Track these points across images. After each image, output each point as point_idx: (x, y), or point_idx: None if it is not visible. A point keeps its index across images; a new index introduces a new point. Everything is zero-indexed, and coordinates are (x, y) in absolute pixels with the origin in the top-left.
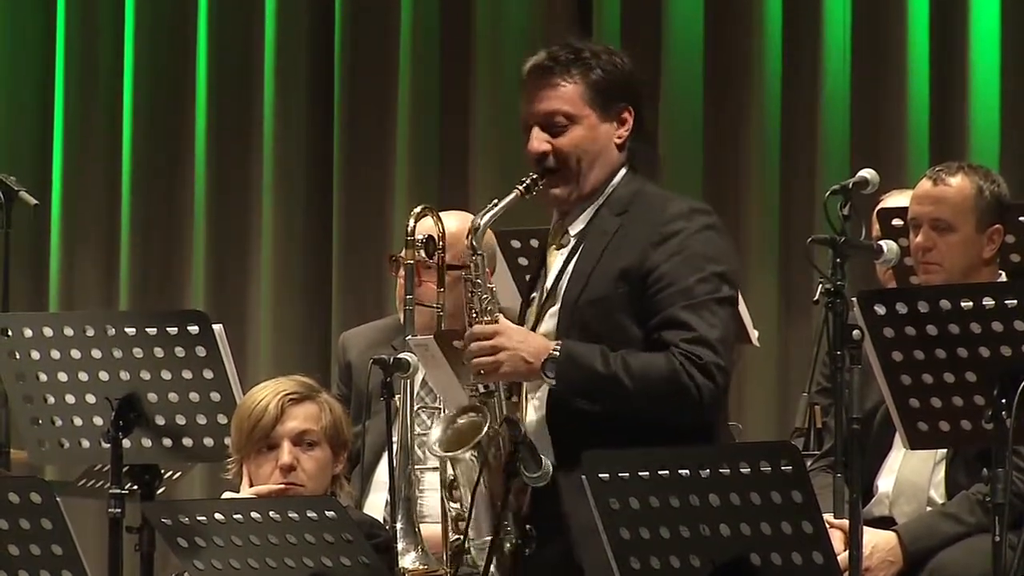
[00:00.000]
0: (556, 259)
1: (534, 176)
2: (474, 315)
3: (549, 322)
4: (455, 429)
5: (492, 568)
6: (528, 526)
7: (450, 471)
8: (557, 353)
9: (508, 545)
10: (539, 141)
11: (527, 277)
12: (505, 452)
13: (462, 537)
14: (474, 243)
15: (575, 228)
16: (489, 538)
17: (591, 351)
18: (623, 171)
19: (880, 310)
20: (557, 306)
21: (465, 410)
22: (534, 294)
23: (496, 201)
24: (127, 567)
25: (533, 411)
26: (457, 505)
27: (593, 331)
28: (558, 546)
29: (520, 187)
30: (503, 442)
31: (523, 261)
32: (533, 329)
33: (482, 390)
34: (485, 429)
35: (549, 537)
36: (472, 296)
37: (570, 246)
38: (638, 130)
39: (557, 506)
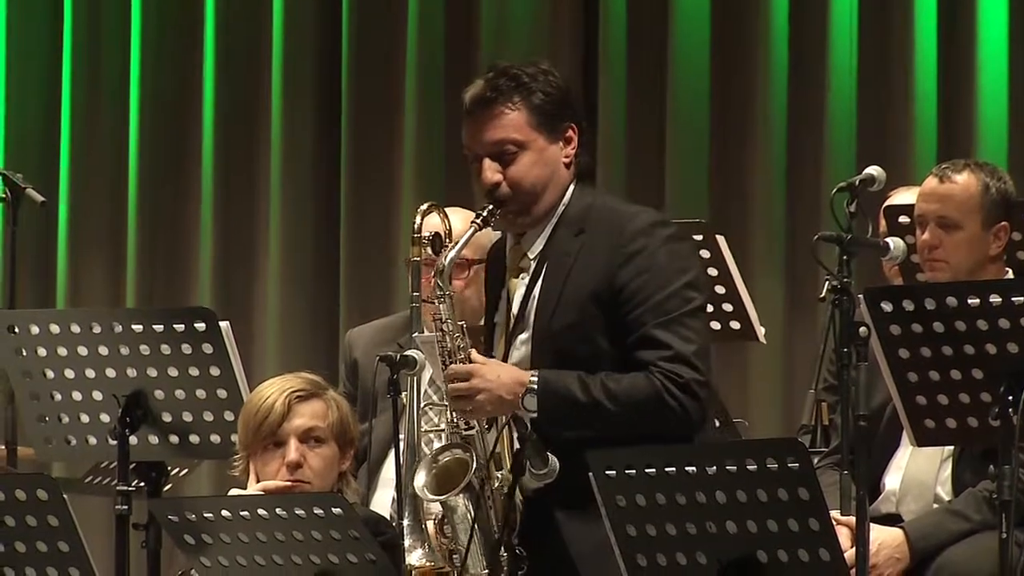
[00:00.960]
0: (518, 285)
1: (490, 208)
2: (447, 355)
3: (522, 349)
4: (441, 468)
5: None
6: (518, 549)
7: (438, 507)
8: (535, 386)
9: (503, 573)
10: (491, 172)
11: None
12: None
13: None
14: (439, 284)
15: (533, 250)
16: (485, 572)
17: (569, 379)
18: (572, 188)
19: (887, 307)
20: (528, 333)
21: (445, 448)
22: (498, 318)
23: (456, 241)
24: (134, 564)
25: (516, 441)
26: (449, 541)
27: (569, 356)
28: (554, 570)
29: (478, 220)
30: (489, 474)
31: None
32: (504, 358)
33: (463, 426)
34: (473, 466)
35: (547, 564)
36: (443, 336)
37: (531, 269)
38: (581, 144)
39: (550, 530)
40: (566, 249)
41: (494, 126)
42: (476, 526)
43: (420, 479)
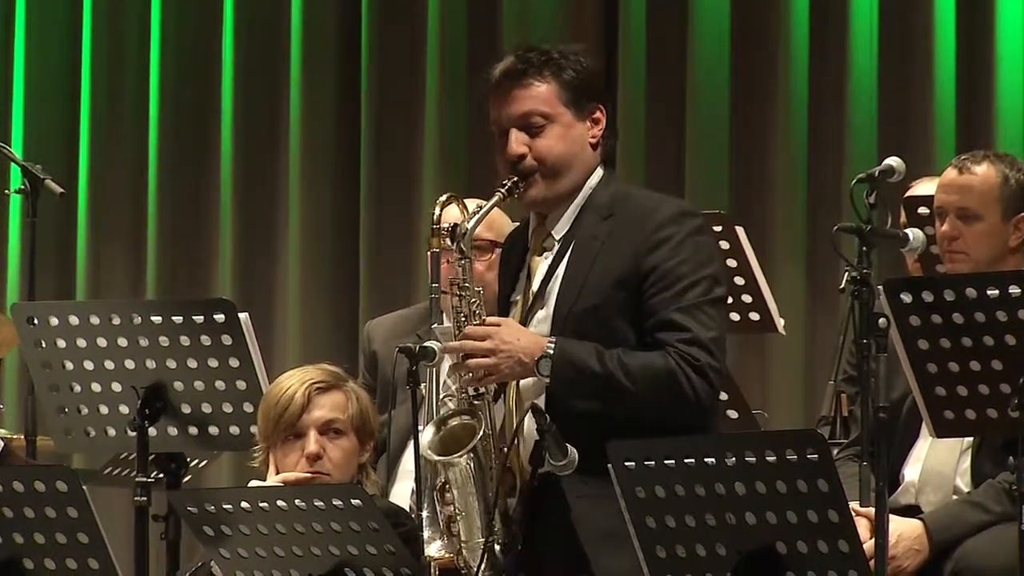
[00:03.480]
0: (540, 263)
1: (514, 179)
2: (463, 319)
3: (540, 327)
4: (447, 432)
5: (484, 569)
6: (513, 526)
7: (440, 474)
8: (551, 350)
9: (497, 546)
10: (518, 144)
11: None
12: (499, 450)
13: (455, 539)
14: (462, 247)
15: (559, 231)
16: (481, 540)
17: (586, 349)
18: (600, 171)
19: (906, 298)
20: (547, 311)
21: (456, 413)
22: (516, 296)
23: (480, 206)
24: (153, 555)
25: (527, 422)
26: (449, 508)
27: (588, 336)
28: (564, 555)
29: (502, 190)
30: (494, 444)
31: None
32: None
33: (472, 393)
34: (480, 432)
35: (555, 546)
36: (460, 300)
37: (555, 250)
38: (609, 127)
39: (563, 515)
40: (594, 233)
41: (523, 97)
42: (477, 492)
43: (427, 437)
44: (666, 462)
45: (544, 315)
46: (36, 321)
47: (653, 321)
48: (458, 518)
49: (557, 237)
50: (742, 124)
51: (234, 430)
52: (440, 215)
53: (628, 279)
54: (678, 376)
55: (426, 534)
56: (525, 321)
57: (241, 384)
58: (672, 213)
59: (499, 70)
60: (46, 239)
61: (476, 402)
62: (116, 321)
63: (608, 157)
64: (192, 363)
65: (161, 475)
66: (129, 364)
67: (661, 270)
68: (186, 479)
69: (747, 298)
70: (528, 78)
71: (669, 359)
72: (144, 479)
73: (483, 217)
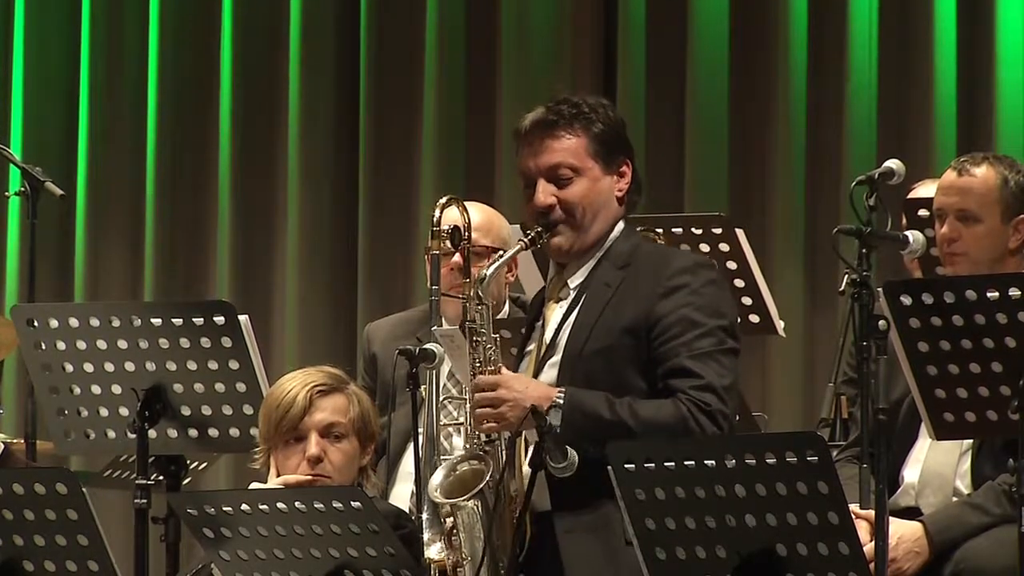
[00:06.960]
0: (555, 312)
1: (539, 230)
2: (478, 365)
3: (549, 372)
4: (457, 476)
5: None
6: (523, 573)
7: (449, 519)
8: (561, 400)
9: None
10: (545, 194)
11: (521, 329)
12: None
13: None
14: (479, 294)
15: (574, 281)
16: None
17: (596, 397)
18: (621, 224)
19: (906, 300)
20: (558, 357)
21: (467, 457)
22: (531, 346)
23: (502, 253)
24: (153, 557)
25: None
26: (456, 552)
27: (597, 382)
28: None
29: (525, 239)
30: (504, 490)
31: None
32: None
33: (484, 439)
34: (487, 477)
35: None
36: (476, 346)
37: (570, 299)
38: (634, 181)
39: (552, 551)
40: (607, 280)
41: (553, 149)
42: (484, 537)
43: (436, 479)
44: (666, 464)
45: (555, 361)
46: (36, 323)
47: (666, 368)
48: (464, 563)
49: (572, 286)
50: (742, 126)
51: (234, 432)
52: (440, 217)
53: (639, 324)
54: (688, 423)
55: (426, 536)
56: (538, 369)
57: (241, 386)
58: (687, 263)
59: (529, 120)
60: (45, 241)
61: (487, 448)
62: (116, 323)
63: (632, 211)
64: (192, 365)
65: (161, 477)
66: (129, 366)
67: (675, 316)
68: (186, 481)
69: (747, 300)
70: (558, 130)
71: (680, 406)
72: (144, 481)
73: (502, 265)
